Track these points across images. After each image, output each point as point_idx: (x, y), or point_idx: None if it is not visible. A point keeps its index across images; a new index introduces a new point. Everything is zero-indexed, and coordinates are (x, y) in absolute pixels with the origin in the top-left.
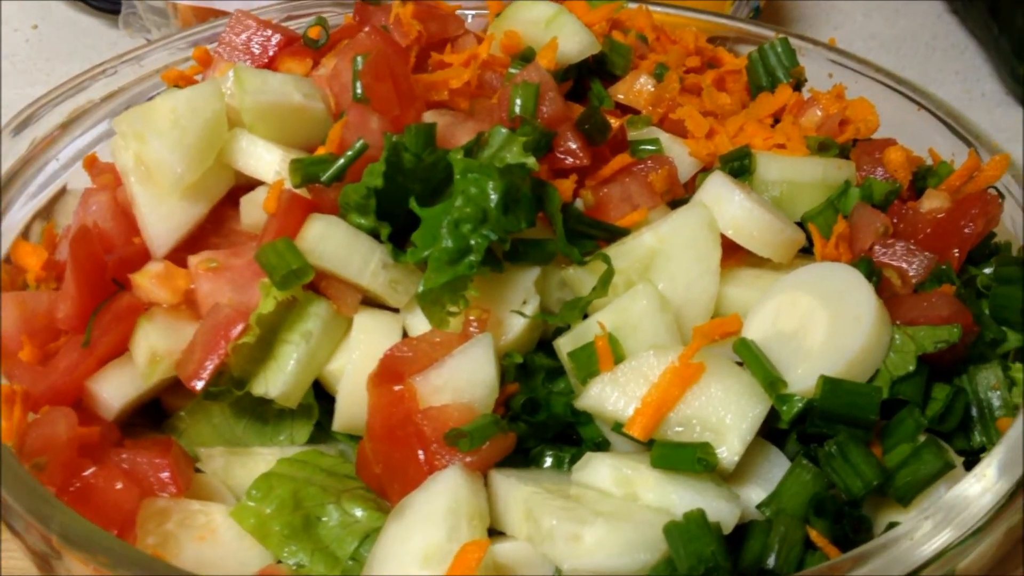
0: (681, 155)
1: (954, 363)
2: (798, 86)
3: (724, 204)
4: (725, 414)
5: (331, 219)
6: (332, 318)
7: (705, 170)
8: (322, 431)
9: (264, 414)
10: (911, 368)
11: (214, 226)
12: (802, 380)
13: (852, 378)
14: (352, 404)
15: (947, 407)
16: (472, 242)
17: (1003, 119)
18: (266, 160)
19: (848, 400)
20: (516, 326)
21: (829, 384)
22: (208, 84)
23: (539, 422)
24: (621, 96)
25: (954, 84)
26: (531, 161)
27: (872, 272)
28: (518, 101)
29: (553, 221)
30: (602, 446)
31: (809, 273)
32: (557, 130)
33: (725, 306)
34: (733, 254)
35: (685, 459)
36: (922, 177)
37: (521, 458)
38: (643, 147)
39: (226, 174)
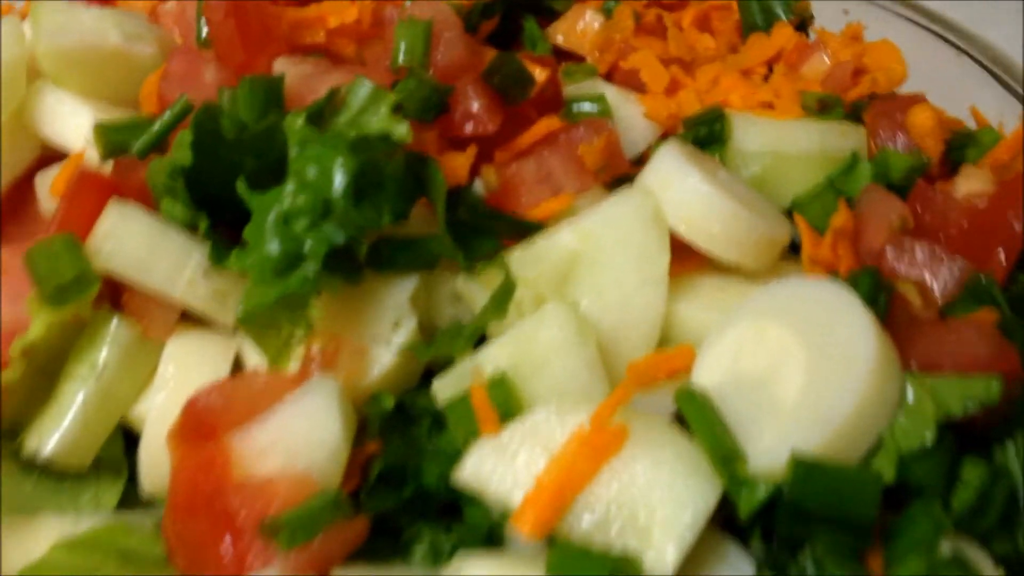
0: (633, 117)
1: (995, 427)
2: (802, 25)
3: (674, 188)
4: (656, 505)
5: (129, 208)
6: (136, 344)
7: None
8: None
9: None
10: (928, 439)
11: (12, 211)
12: (768, 454)
13: (839, 453)
14: (160, 463)
15: (982, 496)
16: (307, 245)
17: None
18: (72, 123)
19: (831, 490)
20: (385, 359)
21: (804, 467)
22: (5, 23)
23: (410, 497)
24: (560, 38)
25: (1008, 24)
26: (401, 130)
27: (879, 289)
28: (402, 45)
29: (437, 210)
30: (495, 535)
31: (783, 292)
32: (454, 84)
33: (677, 332)
34: (690, 258)
35: (587, 571)
36: (959, 148)
37: (391, 543)
38: (582, 107)
39: (29, 141)
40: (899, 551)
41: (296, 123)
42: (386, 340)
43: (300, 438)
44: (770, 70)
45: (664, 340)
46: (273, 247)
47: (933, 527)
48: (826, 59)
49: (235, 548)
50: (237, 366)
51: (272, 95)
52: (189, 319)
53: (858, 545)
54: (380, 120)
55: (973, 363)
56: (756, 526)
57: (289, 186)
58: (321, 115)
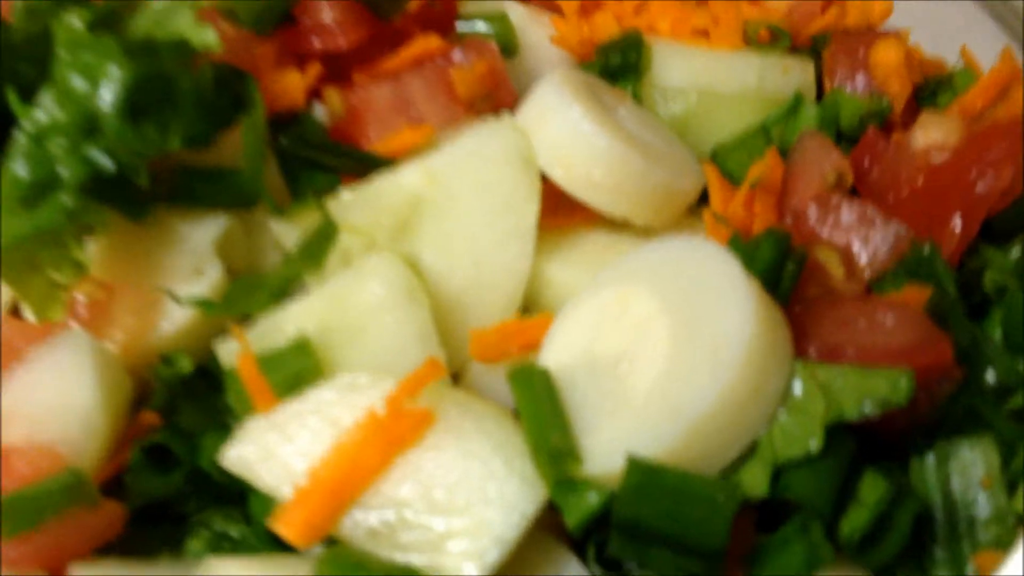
0: (539, 43)
1: (912, 432)
2: None
3: (551, 125)
4: (460, 510)
5: None
6: None
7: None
8: None
9: None
10: (813, 446)
11: None
12: (606, 454)
13: (698, 457)
14: None
15: (881, 520)
16: (62, 169)
17: None
18: None
19: (671, 504)
20: (178, 313)
21: (640, 472)
22: None
23: (185, 479)
24: None
25: None
26: (205, 37)
27: (786, 255)
28: None
29: (245, 137)
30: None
31: (655, 255)
32: None
33: (546, 299)
34: (572, 211)
35: None
36: (932, 93)
37: (172, 532)
38: (475, 27)
39: None
40: None
41: (69, 23)
42: (183, 291)
43: (47, 405)
44: None
45: (532, 308)
46: (21, 170)
47: (808, 556)
48: None
49: None
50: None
51: None
52: None
53: (703, 574)
54: (183, 25)
55: (885, 353)
56: (592, 539)
57: (47, 98)
58: (114, 16)
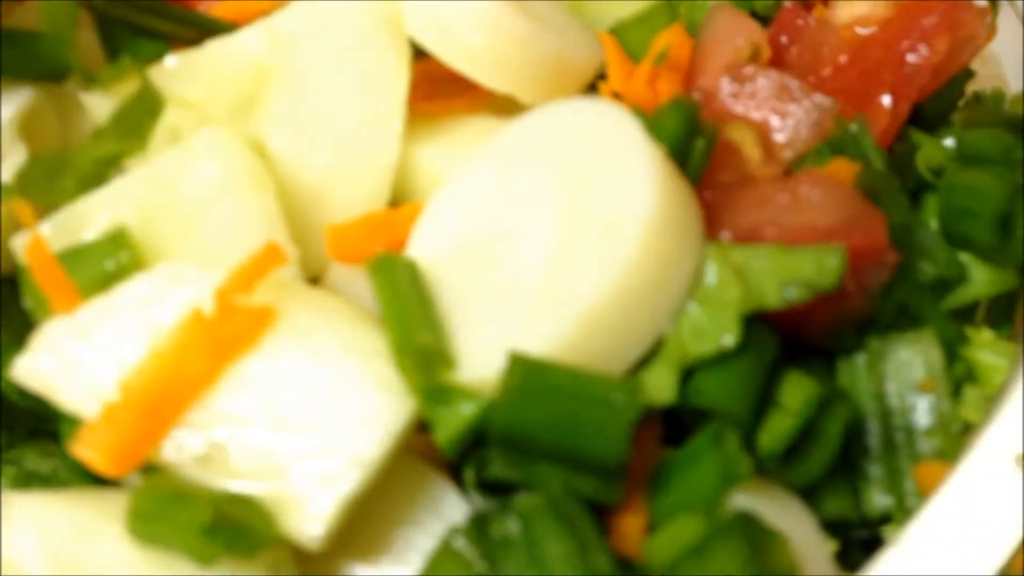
0: None
1: (841, 329)
2: None
3: None
4: (312, 425)
5: None
6: None
7: None
8: None
9: None
10: (728, 341)
11: None
12: (484, 355)
13: (592, 354)
14: None
15: (807, 431)
16: None
17: None
18: None
19: (560, 410)
20: None
21: (524, 371)
22: None
23: None
24: None
25: None
26: None
27: (694, 132)
28: None
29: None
30: None
31: (545, 124)
32: None
33: (418, 189)
34: (456, 90)
35: (184, 528)
36: None
37: None
38: None
39: None
40: (667, 506)
41: None
42: None
43: None
44: None
45: (401, 200)
46: None
47: (722, 472)
48: None
49: None
50: None
51: None
52: None
53: (599, 495)
54: None
55: (811, 232)
56: (470, 461)
57: None
58: None
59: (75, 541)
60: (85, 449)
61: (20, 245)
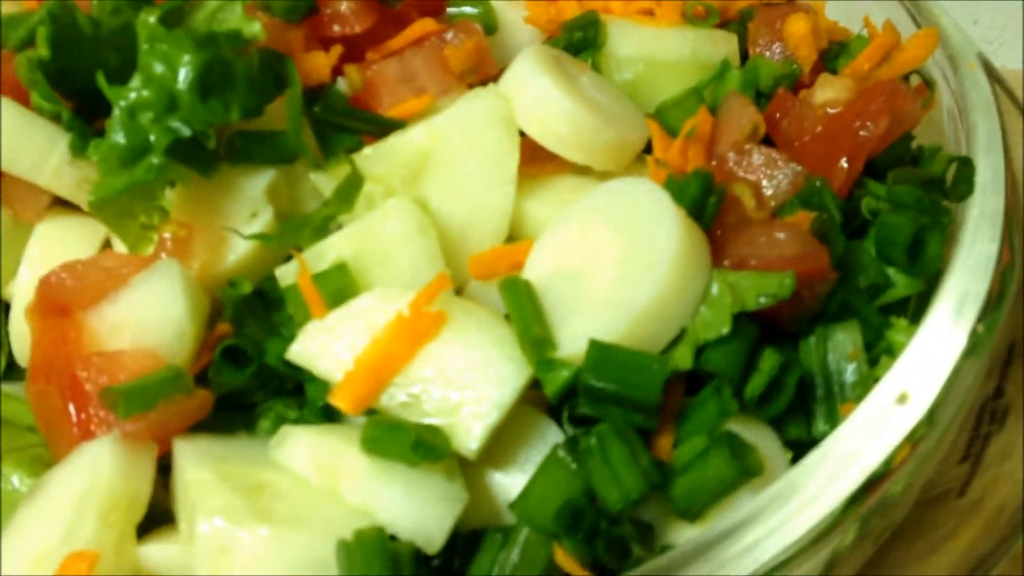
0: (516, 22)
1: (803, 321)
2: None
3: (526, 92)
4: (467, 385)
5: None
6: (9, 226)
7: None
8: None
9: None
10: (724, 331)
11: None
12: (574, 341)
13: (640, 340)
14: (25, 336)
15: (773, 383)
16: (151, 137)
17: None
18: None
19: (621, 374)
20: (241, 247)
21: (598, 350)
22: None
23: (254, 373)
24: None
25: None
26: (252, 28)
27: (709, 190)
28: None
29: (288, 107)
30: (331, 410)
31: (608, 193)
32: None
33: (527, 229)
34: (547, 159)
35: (398, 445)
36: (834, 57)
37: (245, 417)
38: (463, 10)
39: None
40: (686, 431)
41: (147, 20)
42: (243, 229)
43: (148, 317)
44: None
45: (516, 237)
46: (119, 138)
47: (719, 410)
48: None
49: (81, 415)
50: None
51: None
52: (66, 204)
53: (644, 424)
54: (234, 19)
55: (779, 261)
56: (565, 407)
57: (136, 81)
58: (178, 13)
59: (329, 454)
60: (337, 399)
61: (284, 273)
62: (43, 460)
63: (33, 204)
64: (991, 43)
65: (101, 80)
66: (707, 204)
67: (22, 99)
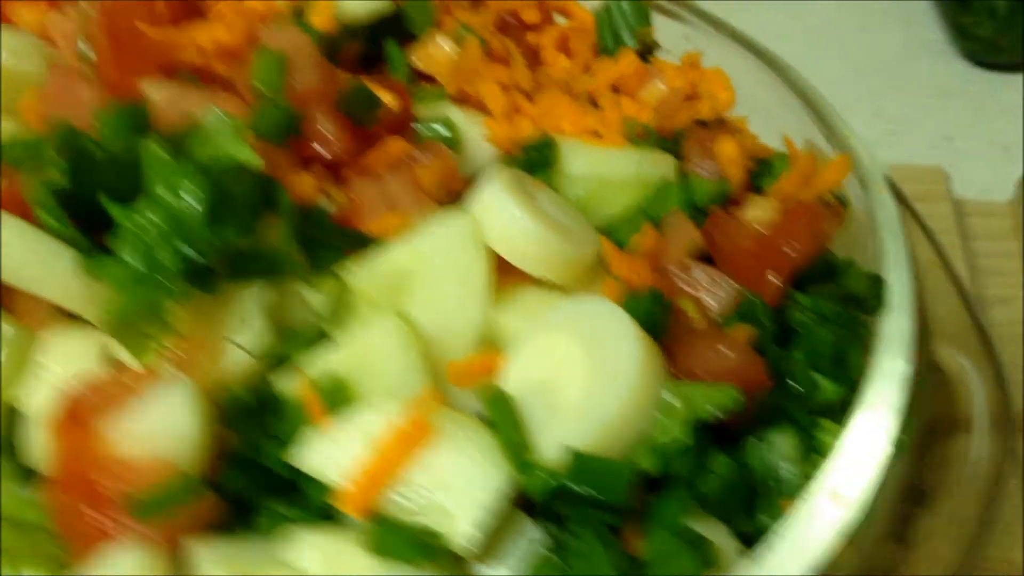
0: (477, 139)
1: (746, 424)
2: (647, 51)
3: (493, 213)
4: (459, 487)
5: (4, 216)
6: (22, 336)
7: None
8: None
9: None
10: (680, 436)
11: None
12: (551, 448)
13: (610, 447)
14: (38, 442)
15: (726, 485)
16: (162, 261)
17: (941, 73)
18: None
19: (598, 479)
20: (236, 356)
21: (577, 459)
22: None
23: (257, 477)
24: (417, 62)
25: (896, 31)
26: (246, 155)
27: (660, 305)
28: (258, 73)
29: (281, 228)
30: (329, 509)
31: (572, 310)
32: (305, 109)
33: (499, 337)
34: (515, 273)
35: (403, 546)
36: (760, 175)
37: (241, 515)
38: (430, 128)
39: None
40: (652, 527)
41: (151, 148)
42: (238, 340)
43: (161, 429)
44: (617, 92)
45: (489, 344)
46: (131, 259)
47: (679, 508)
48: (661, 86)
49: (100, 519)
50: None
51: (135, 121)
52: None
53: (615, 522)
54: (229, 144)
55: (723, 372)
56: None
57: (143, 204)
58: (179, 139)
59: (338, 555)
60: (344, 505)
61: (281, 381)
62: (59, 560)
63: (37, 312)
64: (894, 134)
65: (106, 202)
66: (658, 319)
67: (21, 210)
